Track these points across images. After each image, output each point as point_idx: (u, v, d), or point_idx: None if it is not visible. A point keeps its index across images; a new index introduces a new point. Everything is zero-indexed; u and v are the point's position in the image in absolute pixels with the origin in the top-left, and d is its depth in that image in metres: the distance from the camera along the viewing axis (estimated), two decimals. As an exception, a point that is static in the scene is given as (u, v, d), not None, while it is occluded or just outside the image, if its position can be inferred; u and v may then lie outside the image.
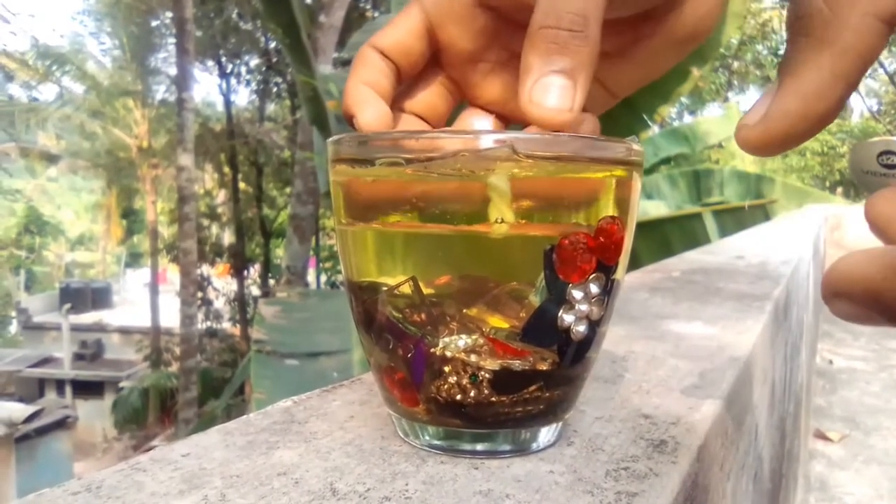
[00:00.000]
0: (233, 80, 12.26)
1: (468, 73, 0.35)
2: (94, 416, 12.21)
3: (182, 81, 7.31)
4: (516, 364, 0.28)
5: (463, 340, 0.28)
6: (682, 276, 0.93)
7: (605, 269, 0.28)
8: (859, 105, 19.17)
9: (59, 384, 13.62)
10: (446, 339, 0.28)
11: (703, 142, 5.65)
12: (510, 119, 0.36)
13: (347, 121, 0.31)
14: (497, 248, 0.28)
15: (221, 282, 12.76)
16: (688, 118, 14.10)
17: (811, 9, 0.22)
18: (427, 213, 0.28)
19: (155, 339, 12.15)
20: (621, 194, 0.29)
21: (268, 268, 12.44)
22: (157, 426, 11.12)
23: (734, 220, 3.69)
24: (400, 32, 0.32)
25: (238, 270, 11.97)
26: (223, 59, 12.03)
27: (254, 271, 13.02)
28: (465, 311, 0.28)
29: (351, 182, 0.30)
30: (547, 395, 0.29)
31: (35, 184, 22.07)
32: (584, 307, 0.28)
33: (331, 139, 0.30)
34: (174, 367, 10.77)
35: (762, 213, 3.95)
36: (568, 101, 0.27)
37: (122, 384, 12.50)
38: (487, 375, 0.28)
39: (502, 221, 0.27)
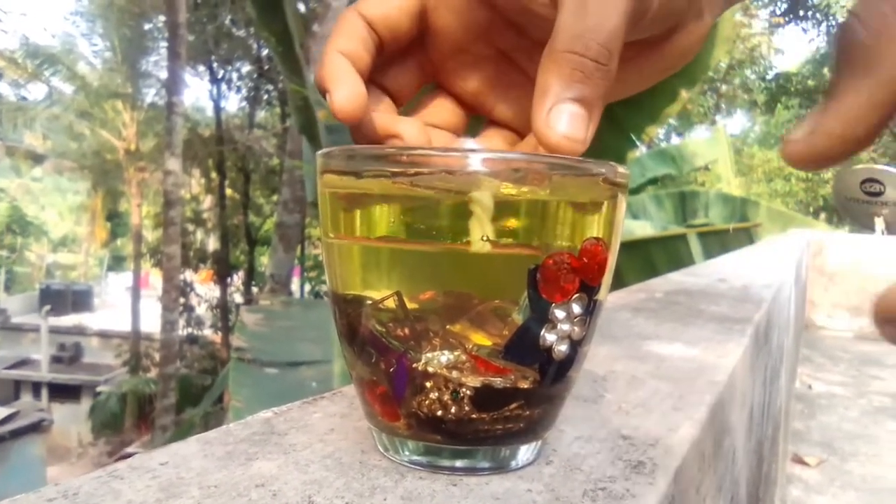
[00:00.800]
0: (224, 86, 12.25)
1: (448, 61, 0.35)
2: (69, 420, 12.06)
3: (172, 85, 7.30)
4: (497, 381, 0.28)
5: (445, 356, 0.28)
6: (665, 297, 0.94)
7: (588, 290, 0.29)
8: (844, 133, 19.39)
9: (36, 386, 13.45)
10: (429, 355, 0.28)
11: (690, 163, 5.71)
12: (482, 113, 0.36)
13: (320, 92, 0.31)
14: (481, 265, 0.28)
15: (204, 288, 12.67)
16: (675, 139, 14.24)
17: (855, 40, 0.24)
18: (413, 229, 0.28)
19: (135, 344, 12.04)
20: (606, 216, 0.29)
21: (251, 275, 12.37)
22: (133, 432, 10.99)
23: (719, 242, 3.72)
24: (391, 6, 0.32)
25: (221, 277, 11.89)
26: (215, 65, 12.02)
27: (237, 278, 12.94)
28: (448, 327, 0.28)
29: (338, 194, 0.30)
30: (527, 413, 0.29)
31: (19, 183, 21.89)
32: (566, 327, 0.28)
33: (321, 152, 0.30)
34: (153, 373, 10.67)
35: (746, 237, 3.99)
36: (582, 131, 0.28)
37: (99, 388, 12.36)
38: (468, 392, 0.28)
39: (487, 240, 0.27)
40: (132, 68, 12.79)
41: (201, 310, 12.12)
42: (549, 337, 0.28)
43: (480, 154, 0.27)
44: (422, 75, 0.36)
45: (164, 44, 11.18)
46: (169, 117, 7.17)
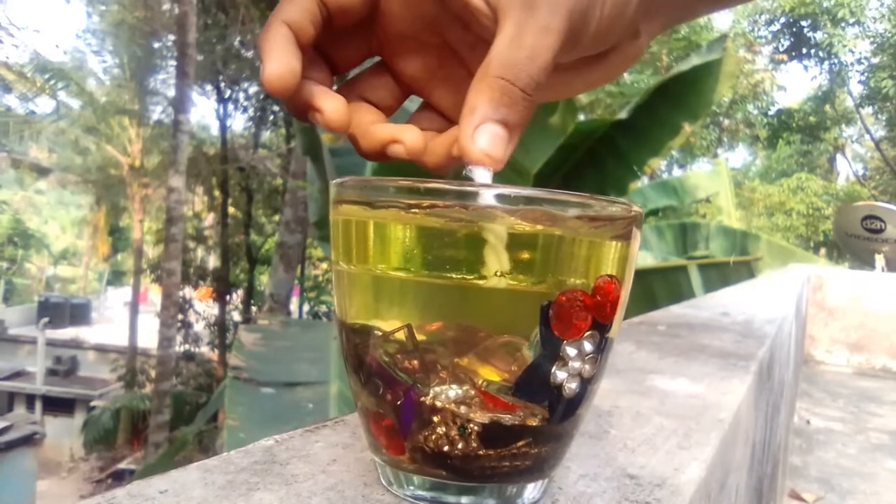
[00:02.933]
0: (230, 106, 12.33)
1: (394, 43, 0.36)
2: (62, 433, 11.97)
3: (179, 103, 7.35)
4: (506, 418, 0.28)
5: (454, 391, 0.28)
6: (668, 331, 0.94)
7: (600, 328, 0.28)
8: (845, 169, 19.54)
9: (30, 399, 13.37)
10: (437, 389, 0.28)
11: (692, 195, 5.72)
12: (420, 95, 0.37)
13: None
14: (493, 299, 0.28)
15: (203, 305, 12.64)
16: (677, 171, 14.29)
17: None
18: (425, 261, 0.28)
19: (131, 360, 12.00)
20: (620, 253, 0.29)
21: (251, 294, 12.36)
22: (126, 448, 10.90)
23: (719, 275, 3.72)
24: None
25: (221, 295, 11.88)
26: (222, 85, 12.11)
27: (237, 297, 12.92)
28: (457, 360, 0.28)
29: (351, 224, 0.30)
30: (535, 451, 0.29)
31: (23, 195, 21.95)
32: (577, 364, 0.28)
33: (335, 181, 0.30)
34: (148, 389, 10.60)
35: (747, 270, 3.99)
36: (501, 150, 0.30)
37: (93, 403, 12.29)
38: (476, 428, 0.28)
39: (502, 275, 0.27)
40: (140, 85, 12.89)
41: (199, 327, 12.09)
42: (559, 374, 0.28)
43: (496, 189, 0.27)
44: (367, 50, 0.36)
45: (172, 62, 11.29)
46: (175, 135, 7.20)
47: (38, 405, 13.16)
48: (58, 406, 12.99)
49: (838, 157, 18.79)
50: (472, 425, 0.28)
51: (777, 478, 1.64)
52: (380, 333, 0.29)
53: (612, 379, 0.59)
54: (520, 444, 0.29)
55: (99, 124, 13.17)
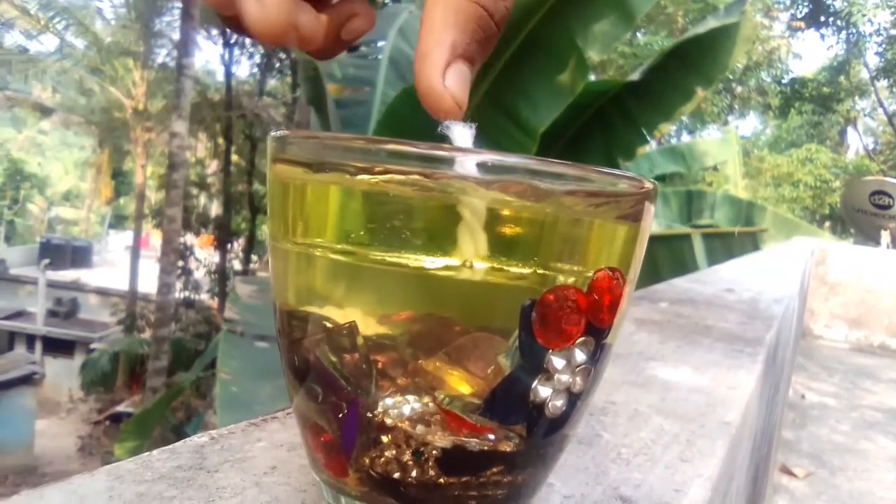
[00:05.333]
0: (235, 51, 12.11)
1: None
2: (61, 374, 12.08)
3: (184, 47, 7.20)
4: (472, 443, 0.22)
5: (409, 406, 0.22)
6: (670, 309, 0.88)
7: (596, 333, 0.23)
8: (856, 142, 19.31)
9: (30, 339, 13.46)
10: (388, 402, 0.22)
11: (700, 162, 5.64)
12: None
13: None
14: (464, 289, 0.22)
15: (204, 253, 12.61)
16: (686, 138, 14.12)
17: None
18: (373, 240, 0.22)
19: (131, 304, 12.01)
20: (625, 241, 0.23)
21: (252, 244, 12.32)
22: (124, 391, 10.99)
23: (723, 245, 3.66)
24: None
25: (222, 243, 11.83)
26: (227, 29, 11.85)
27: (238, 245, 12.89)
28: (419, 362, 0.22)
29: (291, 189, 0.24)
30: (509, 478, 0.24)
31: (26, 135, 21.82)
32: (565, 377, 0.22)
33: (273, 134, 0.24)
34: (147, 334, 10.63)
35: (751, 241, 3.92)
36: (466, 96, 0.24)
37: (93, 345, 12.37)
38: (435, 453, 0.22)
39: (471, 266, 0.21)
40: (145, 27, 12.61)
41: (199, 274, 12.07)
42: (542, 391, 0.22)
43: (472, 155, 0.21)
44: None
45: (178, 4, 11.04)
46: (178, 79, 7.08)
47: (38, 346, 13.24)
48: (58, 347, 13.08)
49: (849, 129, 18.53)
50: (430, 448, 0.22)
51: (770, 455, 1.61)
52: (325, 326, 0.23)
53: (609, 366, 0.54)
54: (490, 471, 0.23)
55: (103, 65, 12.96)
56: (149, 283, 10.58)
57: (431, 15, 0.23)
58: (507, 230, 0.21)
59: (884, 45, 15.11)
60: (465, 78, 0.23)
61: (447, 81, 0.23)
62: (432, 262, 0.21)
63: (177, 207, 7.23)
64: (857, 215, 5.27)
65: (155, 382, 7.28)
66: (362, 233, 0.22)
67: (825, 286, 4.33)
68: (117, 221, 23.49)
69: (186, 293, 11.63)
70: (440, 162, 0.21)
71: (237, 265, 12.39)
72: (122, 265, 15.80)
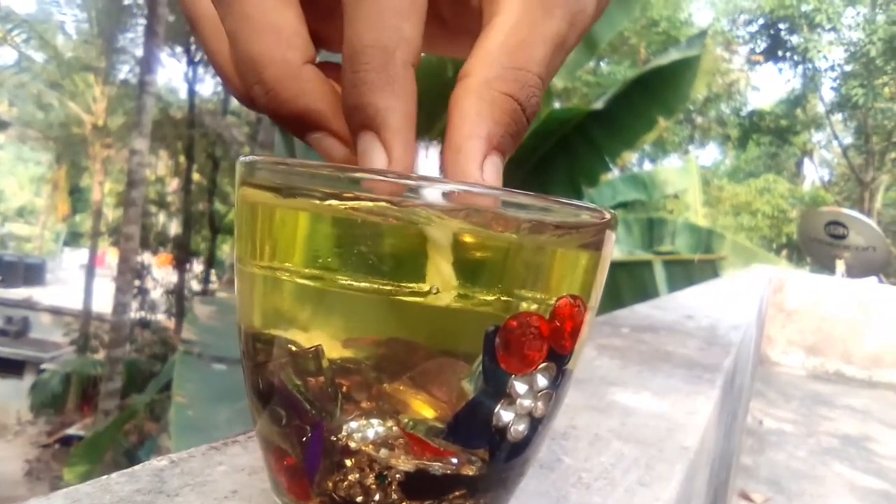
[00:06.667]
0: (199, 69, 12.03)
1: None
2: (10, 395, 11.72)
3: (147, 63, 7.15)
4: (435, 467, 0.23)
5: (373, 430, 0.22)
6: (632, 334, 0.90)
7: (558, 359, 0.23)
8: (812, 173, 19.90)
9: (-22, 358, 13.05)
10: (353, 425, 0.22)
11: (661, 190, 5.75)
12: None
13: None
14: (430, 314, 0.22)
15: (162, 272, 12.41)
16: (647, 166, 14.40)
17: None
18: (348, 264, 0.22)
19: (84, 324, 11.74)
20: (587, 269, 0.24)
21: (211, 264, 12.16)
22: (75, 414, 10.69)
23: (684, 272, 3.72)
24: None
25: (180, 262, 11.66)
26: (192, 47, 11.80)
27: (197, 265, 12.71)
28: (384, 385, 0.23)
29: (260, 213, 0.24)
30: (471, 502, 0.24)
31: (-21, 149, 21.31)
32: (527, 402, 0.23)
33: (242, 159, 0.24)
34: (101, 355, 10.38)
35: (711, 269, 4.01)
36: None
37: (43, 366, 12.04)
38: (398, 476, 0.22)
39: (437, 292, 0.21)
40: (108, 42, 12.47)
41: (156, 294, 11.86)
42: (504, 415, 0.22)
43: (438, 185, 0.21)
44: None
45: (142, 21, 10.96)
46: (140, 95, 7.01)
47: (-14, 365, 12.85)
48: (6, 367, 12.69)
49: (806, 161, 19.10)
50: (393, 472, 0.22)
51: (729, 480, 1.63)
52: (290, 350, 0.23)
53: (571, 391, 0.54)
54: (453, 494, 0.23)
55: (63, 80, 12.76)
56: (104, 302, 10.36)
57: (463, 105, 0.23)
58: (472, 258, 0.22)
59: (838, 81, 15.67)
60: (500, 171, 0.23)
61: (485, 175, 0.22)
62: (399, 288, 0.22)
63: (135, 225, 7.12)
64: (813, 245, 5.41)
65: (108, 405, 7.10)
66: (329, 258, 0.22)
67: (782, 313, 4.42)
68: (72, 239, 23.00)
69: (142, 313, 11.42)
70: (408, 191, 0.21)
71: (196, 285, 12.21)
72: (76, 283, 15.44)
